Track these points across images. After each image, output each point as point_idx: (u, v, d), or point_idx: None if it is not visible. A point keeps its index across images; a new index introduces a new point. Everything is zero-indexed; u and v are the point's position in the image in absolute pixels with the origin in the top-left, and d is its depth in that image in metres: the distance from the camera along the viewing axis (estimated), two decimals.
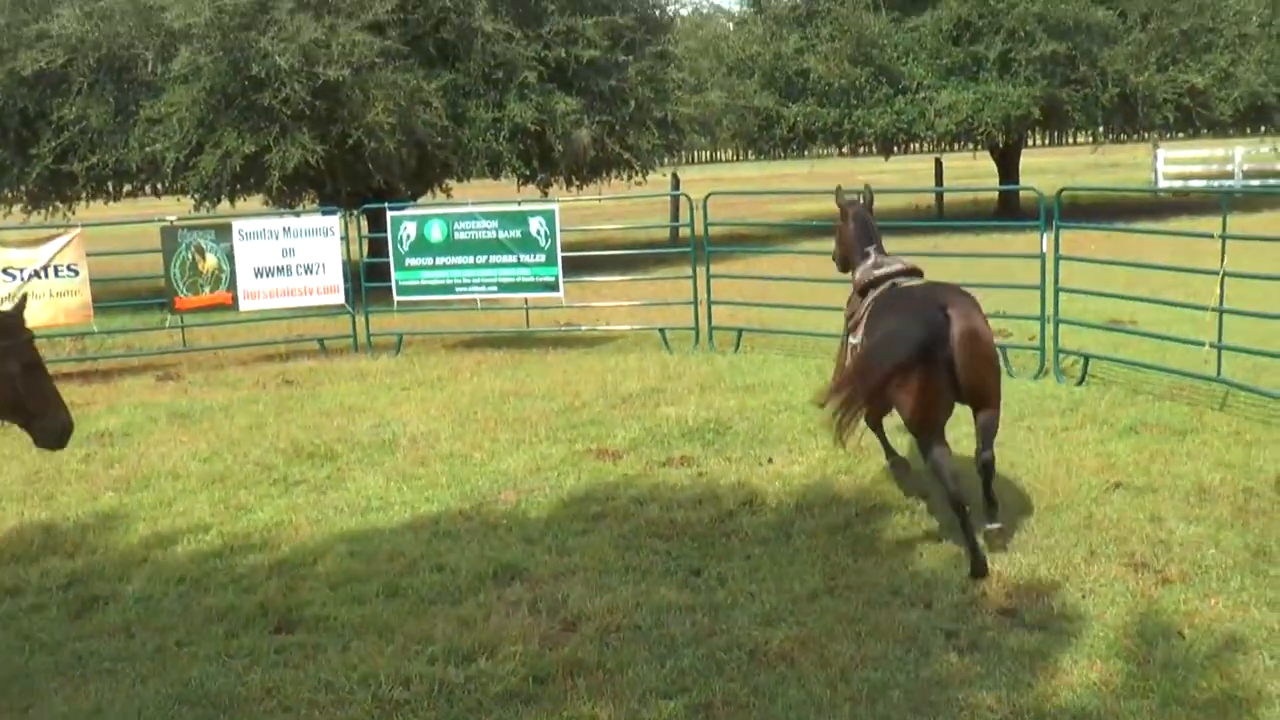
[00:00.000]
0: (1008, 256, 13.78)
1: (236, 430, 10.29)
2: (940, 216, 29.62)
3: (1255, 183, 30.39)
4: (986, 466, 6.58)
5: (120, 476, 8.92)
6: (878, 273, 7.55)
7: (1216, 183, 31.23)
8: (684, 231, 19.97)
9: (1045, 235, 11.04)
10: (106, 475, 9.01)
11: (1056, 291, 10.91)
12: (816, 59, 27.79)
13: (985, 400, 6.54)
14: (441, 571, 6.55)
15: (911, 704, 4.88)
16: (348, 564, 6.78)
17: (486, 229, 13.70)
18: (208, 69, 18.42)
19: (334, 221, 14.30)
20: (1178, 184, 32.19)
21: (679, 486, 7.97)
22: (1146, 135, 33.14)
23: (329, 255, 14.04)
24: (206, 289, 13.76)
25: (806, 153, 32.92)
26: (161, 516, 7.89)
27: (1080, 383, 10.47)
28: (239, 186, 20.65)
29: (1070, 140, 49.94)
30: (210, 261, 13.69)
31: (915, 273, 7.62)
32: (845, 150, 33.42)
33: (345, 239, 14.41)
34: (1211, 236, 9.76)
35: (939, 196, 31.39)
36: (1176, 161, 33.34)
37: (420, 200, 23.10)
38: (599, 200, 19.66)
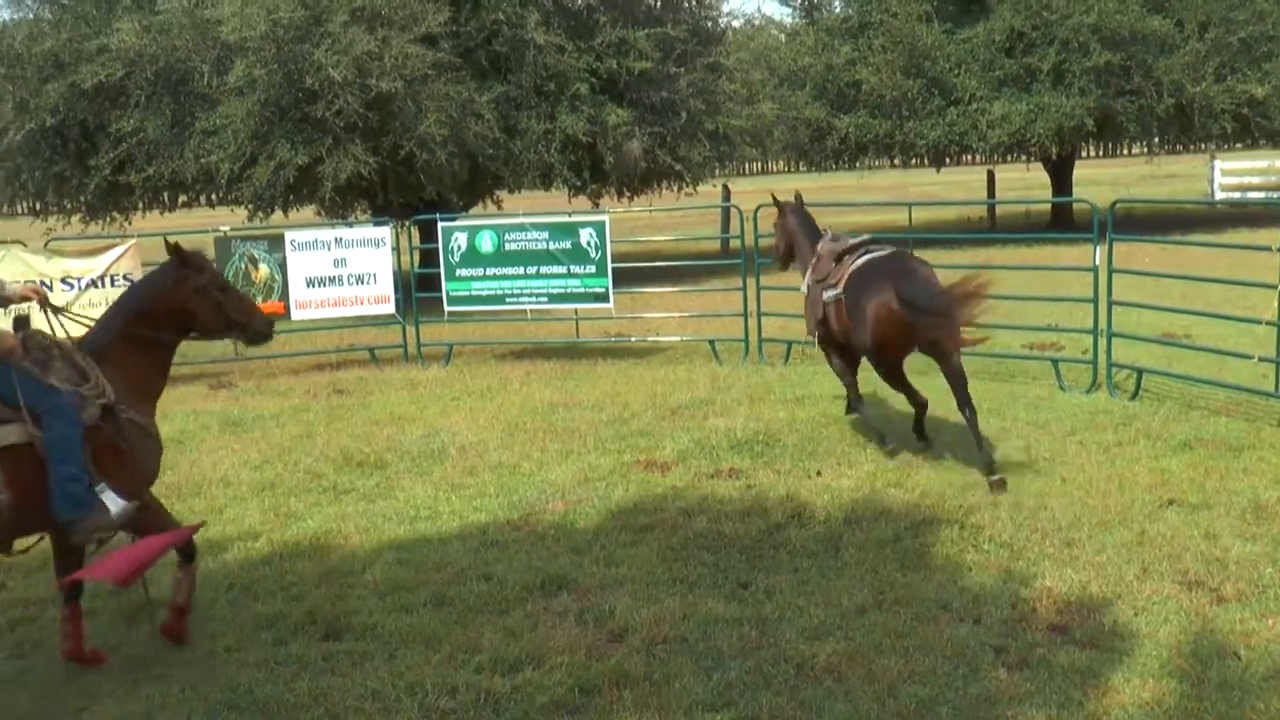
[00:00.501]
0: (1060, 269, 13.68)
1: (287, 439, 10.38)
2: (992, 229, 29.43)
3: None
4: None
5: (172, 484, 9.01)
6: (852, 241, 9.25)
7: (1276, 194, 30.82)
8: (734, 243, 19.96)
9: (1098, 248, 10.93)
10: (159, 482, 9.05)
11: (1110, 305, 10.79)
12: (869, 70, 27.69)
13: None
14: (489, 581, 6.57)
15: None
16: (396, 573, 6.82)
17: (537, 240, 13.75)
18: (262, 81, 18.62)
19: (385, 232, 14.41)
20: (1235, 195, 31.72)
21: (727, 499, 7.95)
22: (1203, 146, 32.69)
23: (380, 265, 14.16)
24: (259, 298, 13.89)
25: (858, 164, 32.75)
26: (212, 523, 7.95)
27: (1133, 397, 10.34)
28: (292, 197, 20.88)
29: (1125, 151, 49.42)
30: (263, 271, 13.84)
31: (877, 243, 9.27)
32: (897, 162, 33.30)
33: (396, 249, 14.52)
34: (1270, 249, 9.60)
35: (991, 208, 31.18)
36: (1234, 172, 32.85)
37: (471, 211, 23.24)
38: (649, 211, 19.72)
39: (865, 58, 28.11)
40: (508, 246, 13.82)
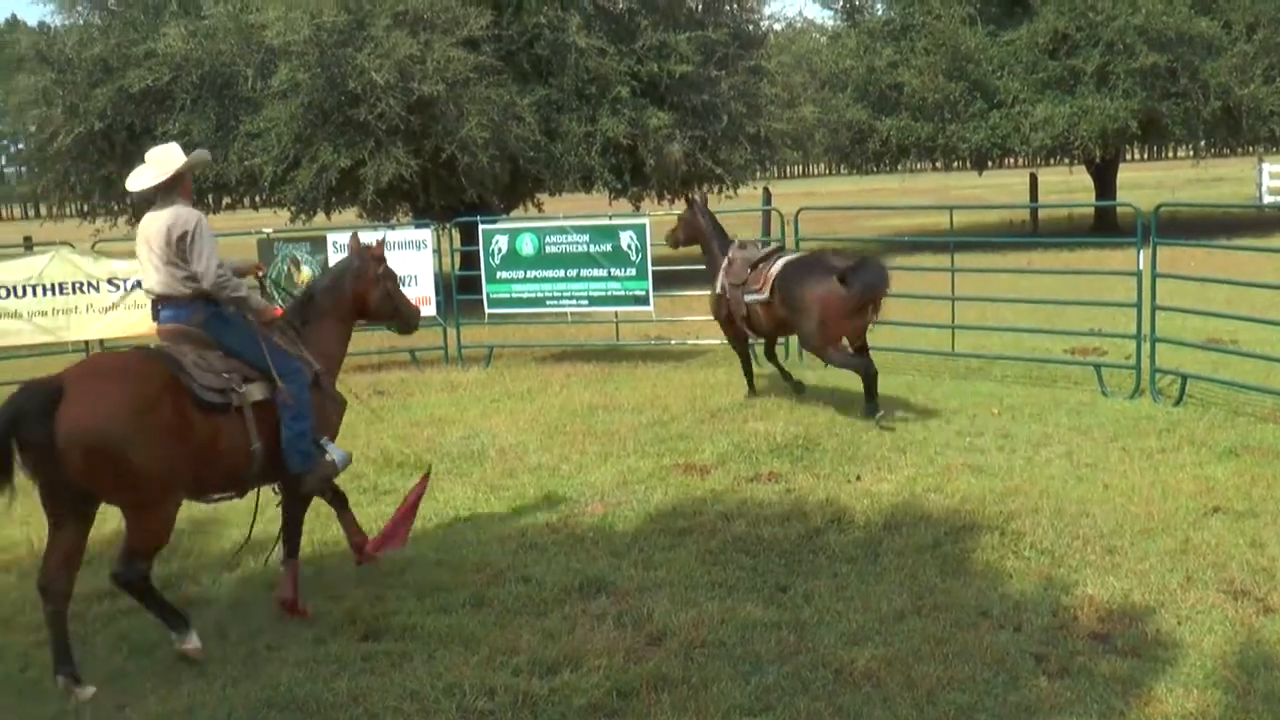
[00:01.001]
0: (1104, 273, 13.58)
1: None
2: (1035, 232, 29.20)
3: None
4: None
5: None
6: (765, 250, 11.18)
7: None
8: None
9: (1142, 252, 10.82)
10: None
11: (1154, 309, 10.68)
12: (911, 73, 27.59)
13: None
14: (528, 583, 6.58)
15: None
16: (435, 574, 6.85)
17: (577, 243, 13.79)
18: (306, 85, 18.77)
19: (426, 234, 14.49)
20: None
21: (766, 502, 7.93)
22: (1251, 149, 32.32)
23: (421, 268, 14.22)
24: None
25: (900, 167, 32.65)
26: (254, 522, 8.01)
27: (1178, 403, 10.23)
28: (334, 200, 21.03)
29: (1170, 154, 48.97)
30: (305, 273, 13.93)
31: (783, 250, 11.36)
32: (939, 165, 33.15)
33: (438, 252, 14.59)
34: None
35: (1033, 212, 30.95)
36: None
37: (512, 214, 23.31)
38: None
39: (907, 60, 28.02)
40: (548, 249, 13.87)
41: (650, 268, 13.59)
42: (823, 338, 10.11)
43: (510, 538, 7.44)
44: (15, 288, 13.25)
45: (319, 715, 5.18)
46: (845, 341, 10.20)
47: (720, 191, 24.09)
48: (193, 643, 5.77)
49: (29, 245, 15.42)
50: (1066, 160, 30.52)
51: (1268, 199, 31.53)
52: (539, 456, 9.50)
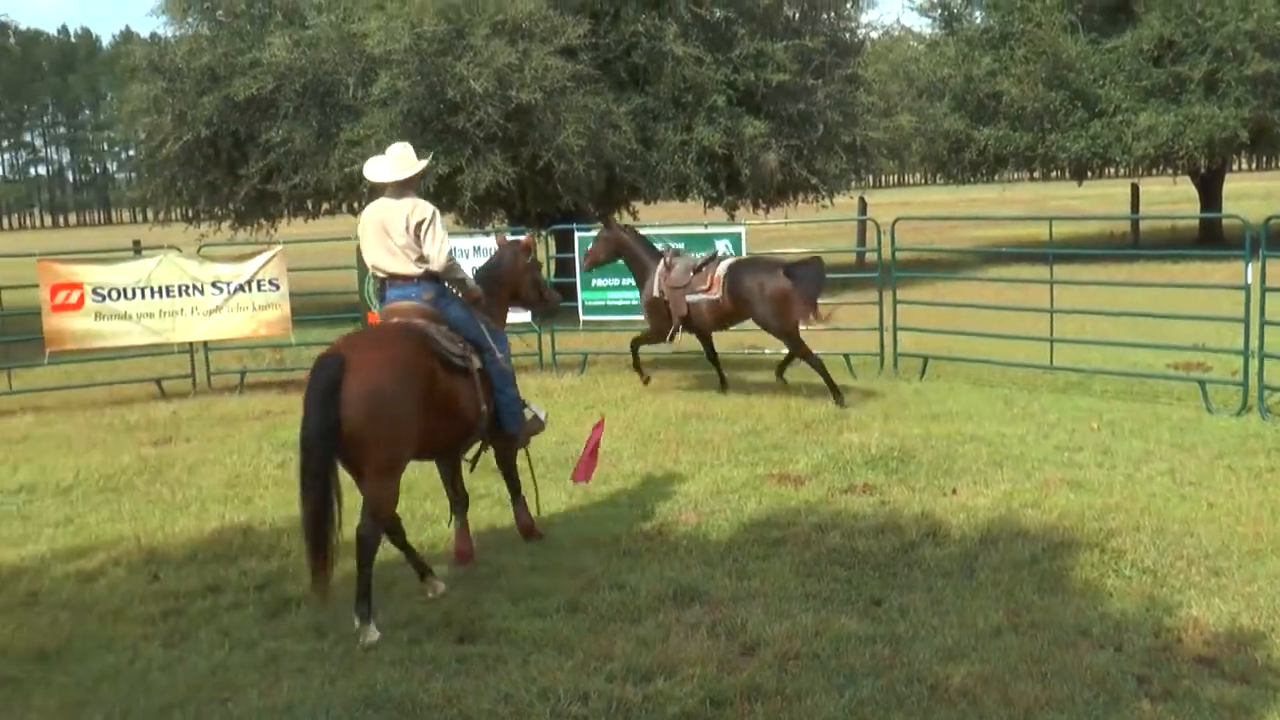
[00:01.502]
0: (1209, 287, 13.27)
1: None
2: (1136, 244, 28.66)
3: None
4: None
5: None
6: (704, 255, 12.42)
7: None
8: (870, 256, 19.78)
9: (1251, 265, 10.55)
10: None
11: (1262, 324, 10.42)
12: (1010, 81, 27.20)
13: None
14: (621, 590, 6.60)
15: None
16: (529, 578, 6.90)
17: None
18: (405, 93, 19.03)
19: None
20: None
21: (861, 514, 7.88)
22: None
23: None
24: None
25: (997, 177, 32.19)
26: (351, 523, 8.09)
27: None
28: None
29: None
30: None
31: (719, 255, 12.69)
32: (1037, 175, 32.65)
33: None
34: None
35: (1135, 223, 30.36)
36: None
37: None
38: (785, 224, 19.61)
39: (1006, 68, 27.63)
40: None
41: None
42: (786, 322, 11.58)
43: (604, 544, 7.47)
44: (124, 290, 13.63)
45: (415, 715, 5.24)
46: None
47: (815, 201, 23.96)
48: (439, 588, 6.73)
49: (138, 249, 15.84)
50: (1170, 170, 29.87)
51: None
52: (633, 464, 9.53)
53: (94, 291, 13.53)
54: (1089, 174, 30.42)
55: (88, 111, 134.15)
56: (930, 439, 9.92)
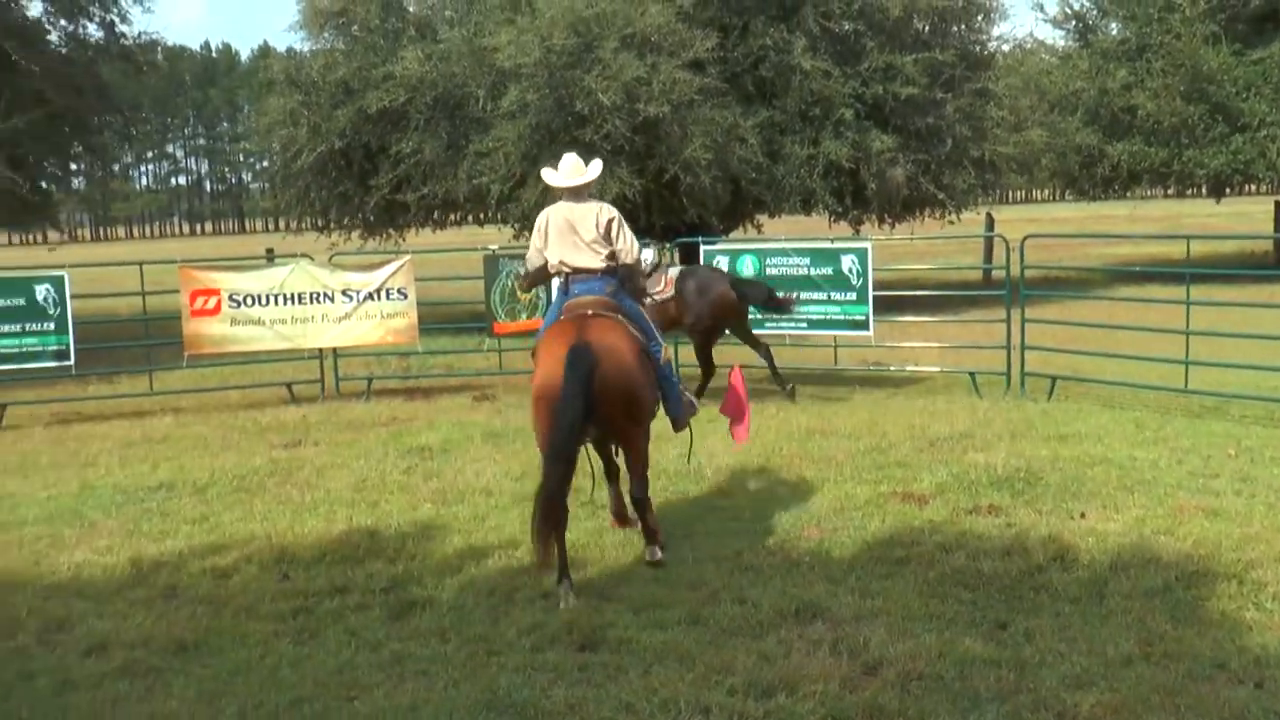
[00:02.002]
0: None
1: None
2: (1278, 264, 27.72)
3: None
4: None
5: (438, 489, 9.40)
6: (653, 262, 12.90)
7: None
8: (997, 273, 19.44)
9: None
10: (425, 487, 9.52)
11: None
12: (1146, 95, 26.53)
13: None
14: (743, 604, 6.56)
15: None
16: (651, 590, 6.90)
17: (798, 265, 13.74)
18: (534, 106, 19.26)
19: (648, 254, 14.62)
20: None
21: (986, 536, 7.72)
22: None
23: None
24: (524, 315, 14.36)
25: (1129, 194, 31.40)
26: (475, 530, 8.25)
27: None
28: None
29: None
30: (529, 294, 14.26)
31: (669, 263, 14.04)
32: (1171, 191, 31.79)
33: None
34: None
35: (1277, 243, 29.36)
36: None
37: (731, 234, 23.39)
38: (911, 239, 19.39)
39: (1143, 81, 26.97)
40: (769, 271, 13.85)
41: (871, 292, 13.41)
42: (705, 327, 12.78)
43: (726, 558, 7.44)
44: (259, 297, 13.99)
45: None
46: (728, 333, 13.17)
47: (942, 216, 23.63)
48: (657, 555, 7.35)
49: (271, 257, 16.27)
50: None
51: None
52: (755, 479, 9.48)
53: (230, 298, 13.92)
54: (1227, 191, 29.52)
55: (226, 124, 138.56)
56: (1058, 461, 9.68)
